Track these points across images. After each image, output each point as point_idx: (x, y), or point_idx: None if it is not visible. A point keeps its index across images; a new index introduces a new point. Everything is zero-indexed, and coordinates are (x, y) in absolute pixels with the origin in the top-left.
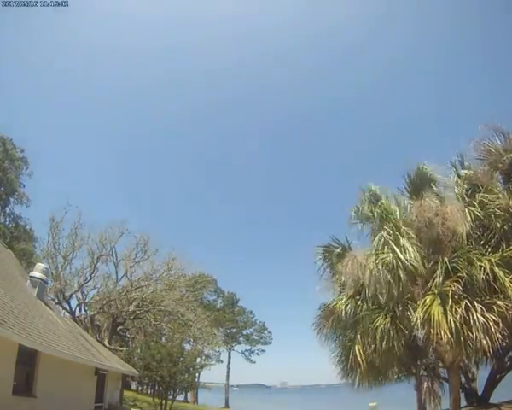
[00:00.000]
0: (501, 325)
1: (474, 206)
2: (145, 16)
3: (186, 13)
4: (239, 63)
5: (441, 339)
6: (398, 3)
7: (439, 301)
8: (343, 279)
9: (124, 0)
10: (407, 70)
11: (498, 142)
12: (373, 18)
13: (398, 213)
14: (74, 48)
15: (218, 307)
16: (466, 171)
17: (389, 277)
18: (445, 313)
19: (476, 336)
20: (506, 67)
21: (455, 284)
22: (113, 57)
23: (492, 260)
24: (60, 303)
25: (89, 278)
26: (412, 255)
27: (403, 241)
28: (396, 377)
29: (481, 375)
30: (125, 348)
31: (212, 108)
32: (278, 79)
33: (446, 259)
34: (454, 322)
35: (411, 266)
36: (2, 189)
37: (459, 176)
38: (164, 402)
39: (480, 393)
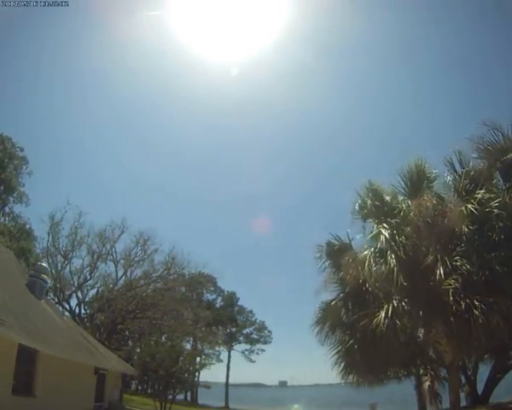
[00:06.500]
0: (501, 323)
1: (473, 204)
2: None
3: None
4: None
5: (441, 338)
6: None
7: (439, 299)
8: (343, 277)
9: None
10: (405, 69)
11: (498, 140)
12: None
13: (397, 210)
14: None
15: (217, 306)
16: (465, 169)
17: (389, 274)
18: (444, 311)
19: (476, 335)
20: (506, 65)
21: (455, 282)
22: None
23: (493, 258)
24: (59, 302)
25: (88, 278)
26: (412, 254)
27: (403, 239)
28: (396, 376)
29: (481, 375)
30: (124, 348)
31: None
32: None
33: (446, 257)
34: (454, 321)
35: (411, 264)
36: (2, 188)
37: (458, 174)
38: (163, 403)
39: (480, 393)
